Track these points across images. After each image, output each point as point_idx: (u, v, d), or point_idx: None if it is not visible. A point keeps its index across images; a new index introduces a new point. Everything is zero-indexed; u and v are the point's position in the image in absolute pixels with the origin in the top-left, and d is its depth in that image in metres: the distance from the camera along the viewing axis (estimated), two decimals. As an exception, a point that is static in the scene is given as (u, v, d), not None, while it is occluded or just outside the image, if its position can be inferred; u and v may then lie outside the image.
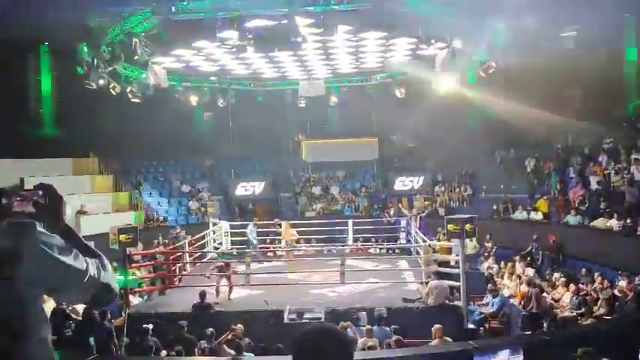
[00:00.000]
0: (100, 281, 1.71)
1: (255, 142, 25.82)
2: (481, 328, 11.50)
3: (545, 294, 12.82)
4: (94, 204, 19.20)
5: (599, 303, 11.84)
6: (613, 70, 20.28)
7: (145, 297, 12.97)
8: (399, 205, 21.48)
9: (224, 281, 12.43)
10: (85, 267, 1.66)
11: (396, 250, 18.40)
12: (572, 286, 12.68)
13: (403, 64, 19.92)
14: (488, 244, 17.62)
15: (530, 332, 11.05)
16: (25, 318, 1.55)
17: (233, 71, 20.89)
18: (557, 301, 12.64)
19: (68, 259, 1.61)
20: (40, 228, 1.60)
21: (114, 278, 1.81)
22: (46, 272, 1.57)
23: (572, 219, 16.44)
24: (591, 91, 21.03)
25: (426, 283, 11.90)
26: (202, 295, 11.23)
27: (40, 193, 1.75)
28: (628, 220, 14.16)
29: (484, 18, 14.37)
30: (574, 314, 11.65)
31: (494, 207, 19.90)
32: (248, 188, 23.81)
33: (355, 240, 19.36)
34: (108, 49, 15.32)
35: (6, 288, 1.50)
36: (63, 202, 1.79)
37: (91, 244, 1.79)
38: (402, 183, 23.33)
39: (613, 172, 16.46)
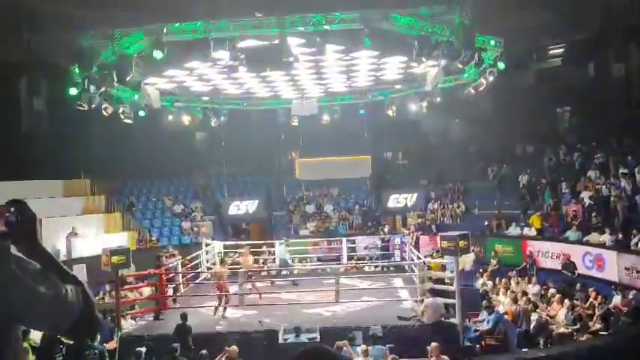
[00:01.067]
0: (80, 311, 1.53)
1: (248, 161, 25.84)
2: (477, 345, 11.42)
3: (539, 310, 12.79)
4: (85, 226, 19.04)
5: (594, 319, 11.82)
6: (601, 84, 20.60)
7: (137, 319, 12.81)
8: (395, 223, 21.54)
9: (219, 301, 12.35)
10: (63, 296, 1.49)
11: (391, 268, 18.34)
12: (566, 302, 12.66)
13: (397, 82, 20.10)
14: (494, 261, 17.64)
15: (526, 349, 10.98)
16: (2, 351, 1.42)
17: (225, 91, 20.94)
18: (552, 317, 12.59)
19: (44, 287, 1.45)
20: (14, 251, 1.47)
21: (94, 307, 1.63)
22: (21, 301, 1.41)
23: (572, 235, 16.42)
24: (580, 107, 21.36)
25: (421, 300, 11.85)
26: (183, 316, 11.12)
27: (12, 209, 1.59)
28: (620, 235, 14.24)
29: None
30: (570, 330, 11.61)
31: (486, 223, 19.96)
32: (241, 207, 23.71)
33: (350, 258, 19.31)
34: (100, 71, 15.31)
35: None
36: (37, 221, 1.64)
37: (83, 266, 1.68)
38: (396, 200, 23.32)
39: (604, 187, 16.57)
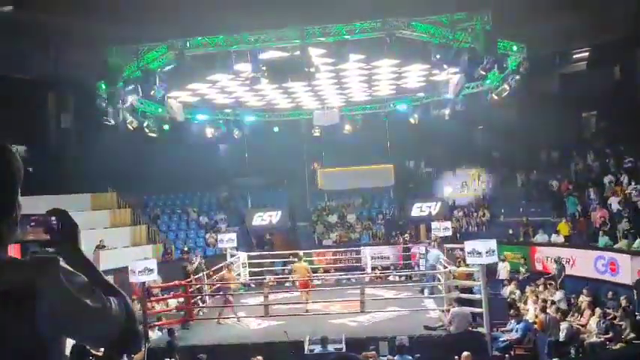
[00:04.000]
0: (124, 323, 1.53)
1: (271, 172, 25.95)
2: (506, 355, 11.21)
3: (571, 318, 12.52)
4: (112, 239, 19.31)
5: (624, 326, 11.53)
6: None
7: (164, 330, 12.90)
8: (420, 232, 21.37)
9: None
10: (108, 308, 1.49)
11: (414, 277, 18.17)
12: (597, 310, 12.37)
13: (419, 90, 20.06)
14: (522, 270, 17.40)
15: (557, 359, 10.76)
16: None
17: (248, 103, 21.12)
18: (583, 326, 12.31)
19: (90, 300, 1.45)
20: (62, 263, 1.47)
21: (137, 319, 1.63)
22: (69, 313, 1.42)
23: (601, 241, 16.08)
24: (606, 111, 20.98)
25: (448, 310, 11.70)
26: (171, 332, 11.14)
27: (53, 218, 1.60)
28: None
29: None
30: (602, 339, 11.33)
31: (511, 231, 19.70)
32: (265, 218, 23.79)
33: (374, 268, 19.20)
34: (125, 86, 15.61)
35: (26, 327, 1.38)
36: (79, 230, 1.64)
37: (110, 278, 1.68)
38: (420, 209, 23.15)
39: (634, 192, 16.20)
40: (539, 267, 17.54)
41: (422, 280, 15.70)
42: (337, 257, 20.75)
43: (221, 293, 14.34)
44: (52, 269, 1.43)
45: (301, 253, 16.89)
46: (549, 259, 16.99)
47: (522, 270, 17.44)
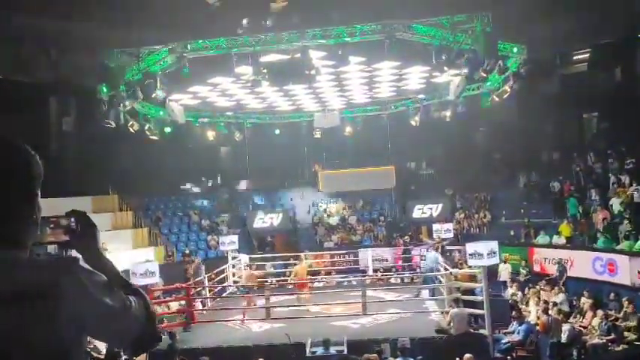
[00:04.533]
0: (143, 323, 1.54)
1: (272, 174, 25.97)
2: (508, 357, 11.19)
3: (573, 320, 12.50)
4: (114, 241, 19.31)
5: (625, 327, 11.51)
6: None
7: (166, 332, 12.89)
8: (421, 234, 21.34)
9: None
10: (128, 308, 1.50)
11: (415, 279, 18.14)
12: (600, 312, 12.35)
13: (420, 91, 20.08)
14: (524, 271, 17.39)
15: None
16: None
17: (249, 105, 21.15)
18: (585, 327, 12.29)
19: (110, 299, 1.46)
20: (82, 263, 1.48)
21: (156, 319, 1.63)
22: (88, 313, 1.43)
23: (600, 242, 16.07)
24: (607, 112, 20.95)
25: (447, 312, 11.70)
26: (172, 335, 11.11)
27: (73, 220, 1.62)
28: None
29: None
30: (604, 341, 11.30)
31: (512, 233, 19.69)
32: (266, 220, 23.82)
33: (375, 270, 19.19)
34: (126, 89, 15.65)
35: (46, 328, 1.38)
36: (98, 231, 1.65)
37: None
38: (421, 211, 23.15)
39: (636, 193, 16.17)
40: (537, 268, 17.59)
41: (424, 282, 15.68)
42: (338, 259, 20.73)
43: (244, 293, 14.59)
44: (72, 269, 1.44)
45: (303, 255, 16.97)
46: (547, 260, 17.03)
47: (523, 272, 17.43)
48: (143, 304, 1.57)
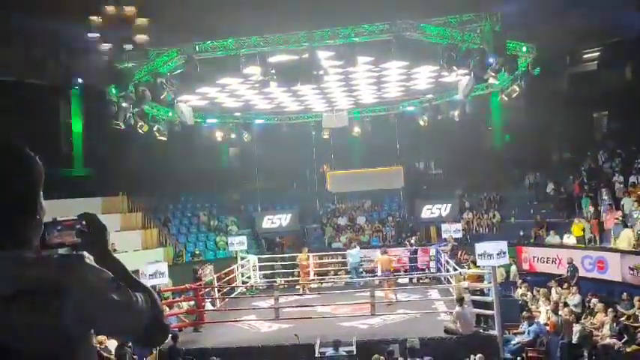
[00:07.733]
0: (151, 319, 1.56)
1: (281, 174, 25.99)
2: (518, 357, 11.14)
3: (583, 320, 12.40)
4: (124, 242, 19.41)
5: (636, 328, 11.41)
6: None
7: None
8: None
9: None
10: (134, 303, 1.52)
11: (424, 280, 18.09)
12: (610, 312, 12.23)
13: (429, 91, 20.01)
14: (514, 269, 17.32)
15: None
16: (75, 357, 1.46)
17: (257, 106, 21.17)
18: (596, 328, 12.19)
19: (116, 295, 1.48)
20: (88, 261, 1.50)
21: (164, 314, 1.65)
22: (95, 309, 1.44)
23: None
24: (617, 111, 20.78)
25: (451, 312, 11.66)
26: (174, 337, 11.12)
27: (84, 222, 1.63)
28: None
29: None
30: (615, 341, 11.20)
31: (521, 233, 19.59)
32: (275, 221, 23.84)
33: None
34: (135, 90, 15.71)
35: (52, 326, 1.39)
36: (108, 233, 1.69)
37: None
38: (430, 211, 23.08)
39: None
40: (526, 267, 17.92)
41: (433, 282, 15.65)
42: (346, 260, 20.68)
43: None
44: (77, 267, 1.45)
45: (305, 248, 18.32)
46: (536, 259, 17.38)
47: (513, 270, 17.31)
48: (150, 298, 1.59)
